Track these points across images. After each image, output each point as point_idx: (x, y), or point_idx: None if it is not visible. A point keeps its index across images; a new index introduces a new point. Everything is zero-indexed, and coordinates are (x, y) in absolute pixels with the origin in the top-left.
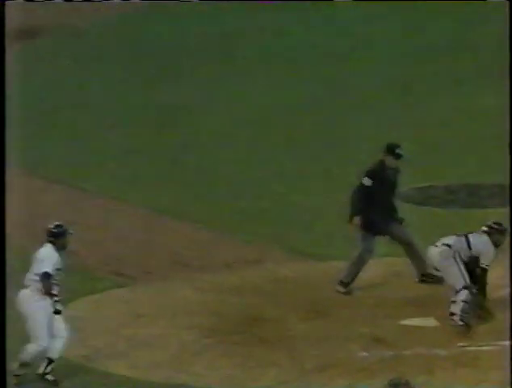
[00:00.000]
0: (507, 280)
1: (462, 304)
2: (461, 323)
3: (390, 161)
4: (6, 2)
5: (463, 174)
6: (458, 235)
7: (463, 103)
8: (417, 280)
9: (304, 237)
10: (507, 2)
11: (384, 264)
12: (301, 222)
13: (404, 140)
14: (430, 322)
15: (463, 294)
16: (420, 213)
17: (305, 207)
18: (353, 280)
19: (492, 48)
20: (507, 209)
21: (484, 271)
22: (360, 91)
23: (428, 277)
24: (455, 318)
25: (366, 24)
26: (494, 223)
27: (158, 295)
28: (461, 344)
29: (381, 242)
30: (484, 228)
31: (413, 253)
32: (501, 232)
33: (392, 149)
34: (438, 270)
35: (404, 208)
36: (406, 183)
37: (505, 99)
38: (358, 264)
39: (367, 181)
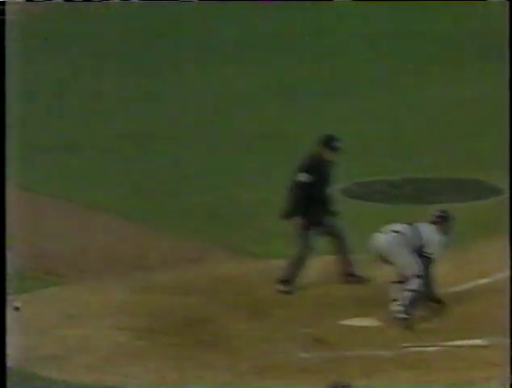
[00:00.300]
0: (454, 278)
1: (409, 294)
2: (403, 316)
3: (327, 154)
4: (7, 2)
5: (407, 168)
6: (406, 223)
7: (409, 94)
8: (340, 278)
9: (244, 234)
10: (507, 2)
11: (326, 263)
12: (242, 219)
13: (347, 132)
14: (372, 322)
15: (415, 283)
16: (363, 209)
17: (246, 202)
18: (293, 278)
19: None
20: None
21: (429, 260)
22: (308, 83)
23: (352, 277)
24: (398, 308)
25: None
26: (440, 211)
27: (91, 294)
28: (404, 345)
29: (323, 239)
30: (432, 217)
31: (343, 250)
32: (448, 219)
33: (329, 142)
34: (384, 258)
35: (346, 204)
36: (349, 178)
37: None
38: (298, 262)
39: (304, 177)
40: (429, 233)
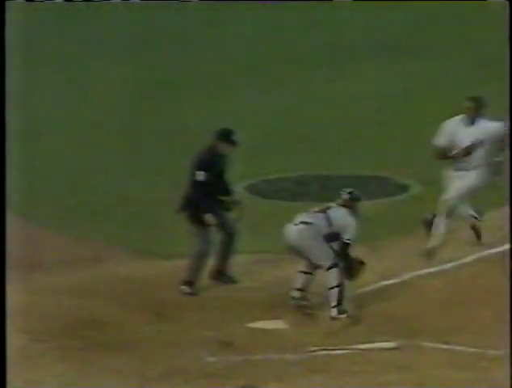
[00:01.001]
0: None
1: (335, 291)
2: (341, 316)
3: (224, 148)
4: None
5: (316, 164)
6: (316, 212)
7: (319, 89)
8: (209, 274)
9: (146, 233)
10: (507, 2)
11: (233, 263)
12: (143, 218)
13: (254, 127)
14: (280, 324)
15: (334, 278)
16: (268, 207)
17: (148, 201)
18: (197, 278)
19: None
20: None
21: (347, 245)
22: (215, 78)
23: (221, 276)
24: (333, 312)
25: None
26: (349, 193)
27: None
28: (313, 349)
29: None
30: (340, 200)
31: (228, 247)
32: (357, 199)
33: (226, 136)
34: (296, 250)
35: (252, 202)
36: (254, 176)
37: (362, 84)
38: (199, 260)
39: (200, 175)
40: (342, 217)
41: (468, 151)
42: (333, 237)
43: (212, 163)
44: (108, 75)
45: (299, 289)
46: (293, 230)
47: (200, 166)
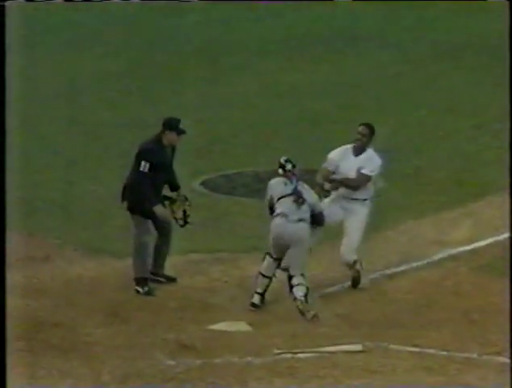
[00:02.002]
0: (326, 277)
1: (302, 288)
2: (311, 313)
3: (170, 137)
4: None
5: (273, 159)
6: (298, 200)
7: (276, 79)
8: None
9: (98, 231)
10: (507, 2)
11: (188, 262)
12: (95, 214)
13: (210, 120)
14: (243, 326)
15: (300, 283)
16: (227, 204)
17: (99, 197)
18: (145, 272)
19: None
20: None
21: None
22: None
23: (159, 277)
24: (298, 304)
25: None
26: (288, 161)
27: None
28: (276, 352)
29: (186, 238)
30: (289, 173)
31: (164, 247)
32: (295, 166)
33: (174, 125)
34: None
35: (209, 198)
36: (211, 171)
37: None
38: (142, 252)
39: (145, 166)
40: (309, 192)
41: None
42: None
43: (158, 153)
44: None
45: (259, 294)
46: (295, 227)
47: (146, 156)
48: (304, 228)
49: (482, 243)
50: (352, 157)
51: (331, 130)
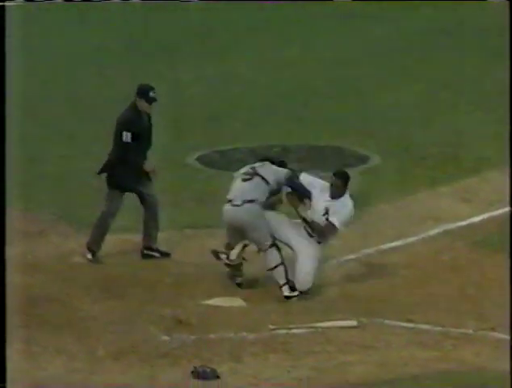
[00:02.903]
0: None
1: (280, 270)
2: (293, 293)
3: (142, 105)
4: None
5: (270, 134)
6: (248, 178)
7: (271, 55)
8: (141, 253)
9: (94, 206)
10: (507, 2)
11: (183, 237)
12: (91, 190)
13: (203, 96)
14: (238, 302)
15: (274, 257)
16: (222, 179)
17: (95, 172)
18: (98, 245)
19: None
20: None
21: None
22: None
23: (153, 252)
24: (284, 289)
25: None
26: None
27: None
28: (271, 327)
29: (181, 214)
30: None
31: (152, 221)
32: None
33: (145, 92)
34: (240, 230)
35: (204, 173)
36: (206, 146)
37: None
38: (101, 227)
39: (127, 136)
40: (273, 171)
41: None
42: (274, 193)
43: (137, 122)
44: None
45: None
46: (239, 211)
47: (125, 126)
48: (247, 210)
49: (477, 219)
50: (327, 195)
51: (327, 106)
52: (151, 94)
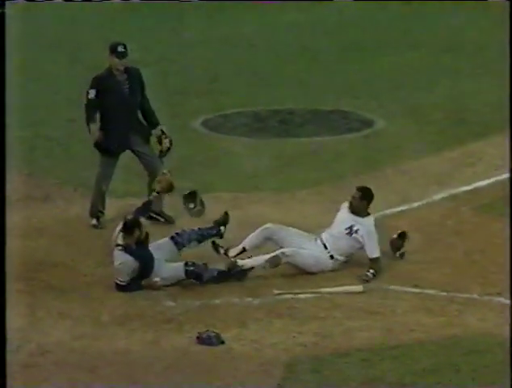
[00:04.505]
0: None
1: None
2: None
3: (111, 61)
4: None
5: (274, 97)
6: None
7: (270, 18)
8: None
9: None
10: (507, 2)
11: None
12: (95, 154)
13: (207, 60)
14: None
15: None
16: (226, 143)
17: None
18: (97, 210)
19: None
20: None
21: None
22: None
23: (158, 215)
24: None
25: None
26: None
27: None
28: (276, 292)
29: (185, 178)
30: None
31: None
32: None
33: (114, 48)
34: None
35: (208, 137)
36: (210, 110)
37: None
38: (96, 191)
39: (91, 93)
40: None
41: None
42: None
43: (106, 80)
44: None
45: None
46: None
47: (92, 84)
48: None
49: (483, 183)
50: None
51: (331, 69)
52: (119, 48)
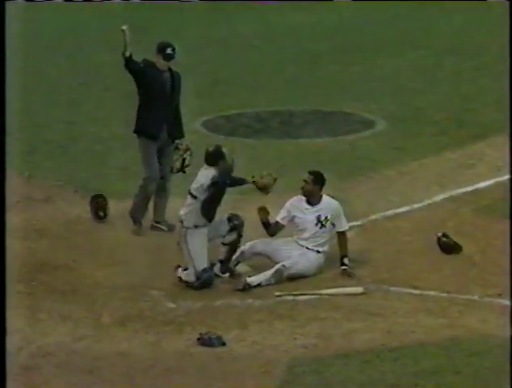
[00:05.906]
0: None
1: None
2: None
3: (157, 61)
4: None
5: (273, 99)
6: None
7: (270, 20)
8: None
9: (98, 172)
10: (507, 2)
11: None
12: (95, 155)
13: (209, 61)
14: (243, 267)
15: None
16: (227, 145)
17: (100, 138)
18: (140, 215)
19: None
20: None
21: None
22: None
23: (161, 225)
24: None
25: None
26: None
27: None
28: (277, 294)
29: (186, 181)
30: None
31: (160, 197)
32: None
33: (162, 49)
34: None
35: (210, 139)
36: (211, 111)
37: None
38: (141, 196)
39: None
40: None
41: None
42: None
43: (146, 70)
44: None
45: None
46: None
47: (142, 60)
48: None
49: (483, 184)
50: (304, 203)
51: (330, 71)
52: (168, 50)
